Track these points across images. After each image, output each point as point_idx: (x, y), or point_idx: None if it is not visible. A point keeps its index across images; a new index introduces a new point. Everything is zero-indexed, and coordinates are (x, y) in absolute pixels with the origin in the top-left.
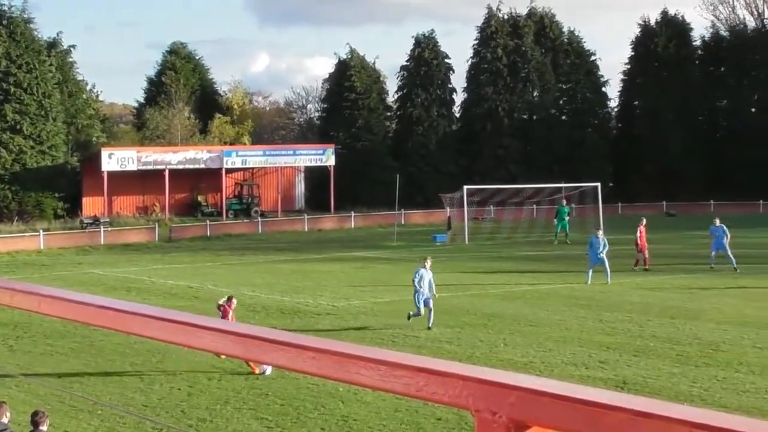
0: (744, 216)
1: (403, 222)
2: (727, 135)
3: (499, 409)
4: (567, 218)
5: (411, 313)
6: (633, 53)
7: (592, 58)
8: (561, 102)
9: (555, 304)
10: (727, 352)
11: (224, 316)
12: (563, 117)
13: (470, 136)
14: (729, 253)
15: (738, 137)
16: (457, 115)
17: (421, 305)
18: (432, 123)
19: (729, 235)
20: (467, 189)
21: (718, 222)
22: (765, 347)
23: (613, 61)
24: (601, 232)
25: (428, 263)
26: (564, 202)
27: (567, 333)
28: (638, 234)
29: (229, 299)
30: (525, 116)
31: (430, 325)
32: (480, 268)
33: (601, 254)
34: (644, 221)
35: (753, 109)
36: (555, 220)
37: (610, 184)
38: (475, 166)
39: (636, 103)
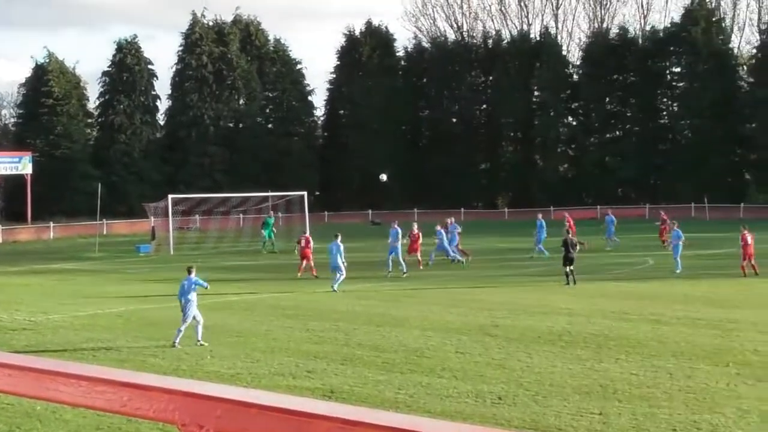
0: None
1: (105, 232)
2: (430, 144)
3: (206, 423)
4: (273, 228)
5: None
6: (339, 62)
7: (299, 66)
8: (267, 110)
9: (262, 314)
10: (431, 359)
11: None
12: (269, 125)
13: (175, 144)
14: (400, 258)
15: (440, 146)
16: (162, 122)
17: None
18: (135, 130)
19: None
20: (172, 198)
21: (395, 225)
22: (466, 352)
23: (319, 70)
24: (339, 240)
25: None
26: (271, 212)
27: (274, 343)
28: (302, 243)
29: None
30: (231, 124)
31: None
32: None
33: (341, 262)
34: (307, 232)
35: (454, 119)
36: (262, 230)
37: (317, 193)
38: (180, 174)
39: (341, 112)
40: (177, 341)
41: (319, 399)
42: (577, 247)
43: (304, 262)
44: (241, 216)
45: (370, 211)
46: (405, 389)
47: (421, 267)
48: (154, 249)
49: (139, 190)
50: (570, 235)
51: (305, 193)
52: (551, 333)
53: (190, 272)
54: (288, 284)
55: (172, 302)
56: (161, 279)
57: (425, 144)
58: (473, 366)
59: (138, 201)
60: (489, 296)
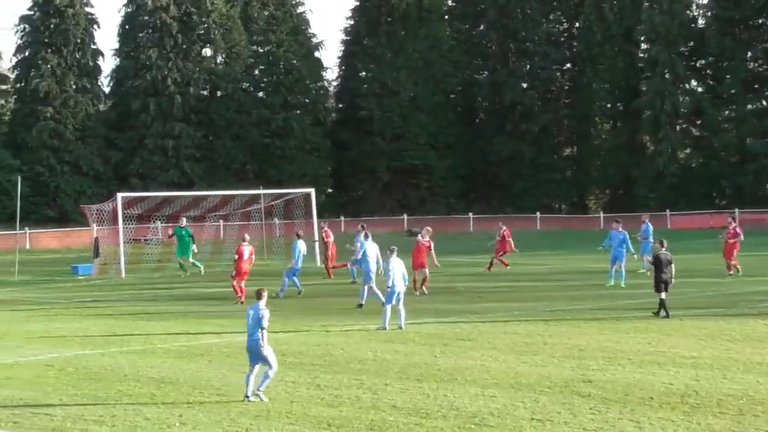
0: (522, 232)
1: (28, 246)
2: (490, 120)
3: None
4: (193, 245)
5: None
6: (358, 3)
7: (301, 9)
8: (256, 72)
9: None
10: (495, 428)
11: None
12: (260, 93)
13: (126, 120)
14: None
15: (504, 123)
16: (107, 89)
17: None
18: (68, 100)
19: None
20: (122, 197)
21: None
22: (546, 419)
23: (330, 15)
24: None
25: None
26: (182, 220)
27: (271, 405)
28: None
29: None
30: (205, 92)
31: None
32: (143, 311)
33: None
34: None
35: (524, 85)
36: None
37: (329, 191)
38: (134, 163)
39: (363, 74)
40: (249, 393)
41: None
42: (673, 267)
43: (237, 279)
44: (222, 223)
45: (405, 216)
46: None
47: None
48: (98, 270)
49: (76, 187)
50: (663, 249)
51: (312, 191)
52: (669, 392)
53: (259, 297)
54: (287, 320)
55: (123, 346)
56: (108, 313)
57: (483, 120)
58: None
59: (74, 202)
60: (577, 338)
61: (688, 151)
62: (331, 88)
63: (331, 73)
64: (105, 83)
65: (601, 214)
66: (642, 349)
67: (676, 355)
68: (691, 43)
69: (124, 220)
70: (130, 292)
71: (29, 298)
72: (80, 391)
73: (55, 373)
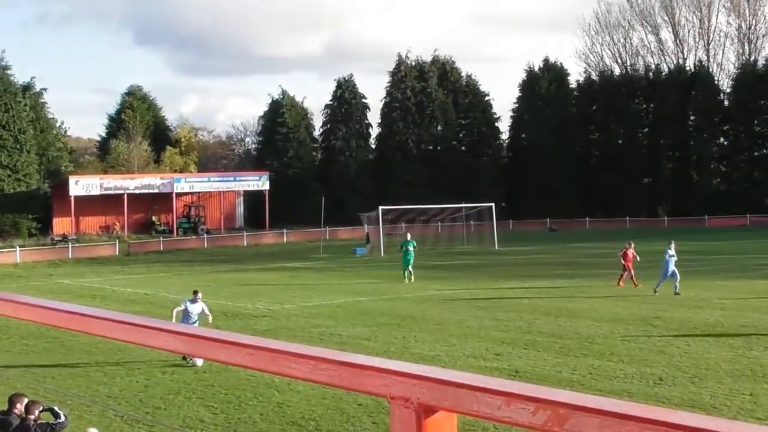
0: (613, 230)
1: (328, 237)
2: (599, 162)
3: (411, 396)
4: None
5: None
6: (520, 94)
7: (487, 98)
8: (461, 135)
9: (458, 306)
10: (600, 345)
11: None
12: (463, 147)
13: (384, 164)
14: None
15: (607, 164)
16: (373, 146)
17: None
18: (352, 153)
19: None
20: (382, 209)
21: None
22: (631, 340)
23: (504, 101)
24: (673, 245)
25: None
26: (408, 235)
27: (468, 330)
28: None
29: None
30: (431, 147)
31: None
32: (394, 276)
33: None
34: (632, 244)
35: (620, 141)
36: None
37: (503, 204)
38: (389, 188)
39: (523, 135)
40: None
41: (504, 378)
42: None
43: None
44: (439, 224)
45: (548, 220)
46: (579, 371)
47: None
48: (368, 251)
49: (355, 202)
50: None
51: (493, 205)
52: (706, 324)
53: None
54: (482, 281)
55: (381, 295)
56: (373, 276)
57: (595, 162)
58: (637, 351)
59: (354, 211)
60: (651, 291)
61: (718, 180)
62: (504, 144)
63: (504, 135)
64: (372, 143)
65: (666, 218)
66: (690, 298)
67: (710, 302)
68: (720, 115)
69: (382, 222)
70: (386, 264)
71: (328, 267)
72: (357, 321)
73: (343, 311)
